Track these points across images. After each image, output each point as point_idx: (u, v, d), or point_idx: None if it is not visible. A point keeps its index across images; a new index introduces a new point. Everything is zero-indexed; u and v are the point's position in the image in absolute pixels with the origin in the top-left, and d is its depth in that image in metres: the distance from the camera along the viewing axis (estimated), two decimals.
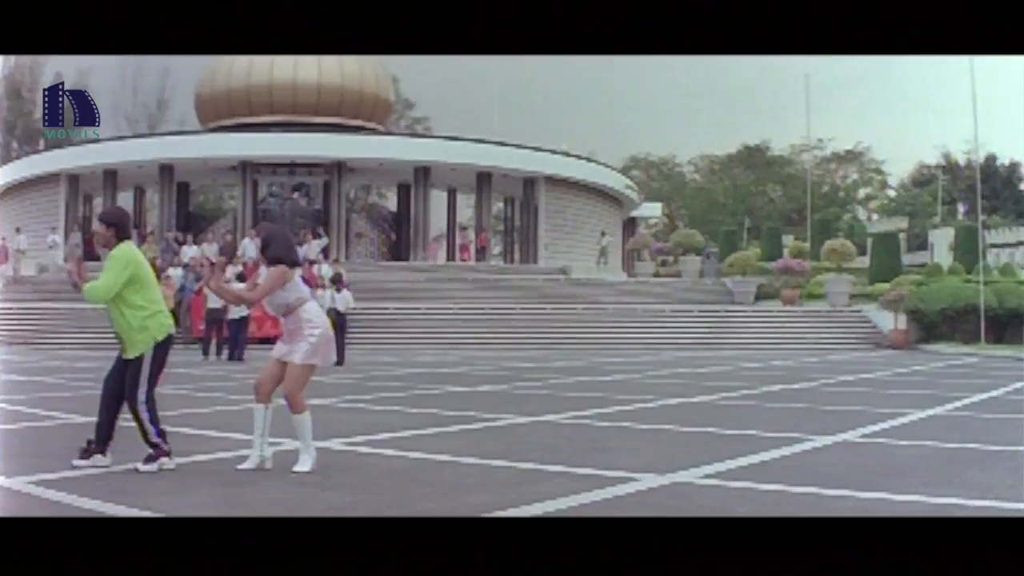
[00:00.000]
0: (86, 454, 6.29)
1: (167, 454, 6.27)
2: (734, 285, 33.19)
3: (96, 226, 6.47)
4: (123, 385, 6.27)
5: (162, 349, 6.29)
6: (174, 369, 17.79)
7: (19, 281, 30.18)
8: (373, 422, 9.17)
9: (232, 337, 19.60)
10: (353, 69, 39.14)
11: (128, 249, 6.23)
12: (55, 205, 37.96)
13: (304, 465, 6.20)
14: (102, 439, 6.31)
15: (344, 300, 19.01)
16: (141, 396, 6.19)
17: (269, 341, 24.62)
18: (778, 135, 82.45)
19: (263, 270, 6.68)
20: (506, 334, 26.60)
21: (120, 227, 6.31)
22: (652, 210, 55.89)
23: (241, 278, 23.74)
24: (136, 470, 6.11)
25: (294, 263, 6.40)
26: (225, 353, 19.68)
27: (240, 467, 6.27)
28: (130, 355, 6.23)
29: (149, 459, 6.19)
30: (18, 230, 33.50)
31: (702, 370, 17.32)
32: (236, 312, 19.19)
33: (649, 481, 5.94)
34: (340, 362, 16.15)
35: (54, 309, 27.29)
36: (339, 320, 18.55)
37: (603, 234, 39.77)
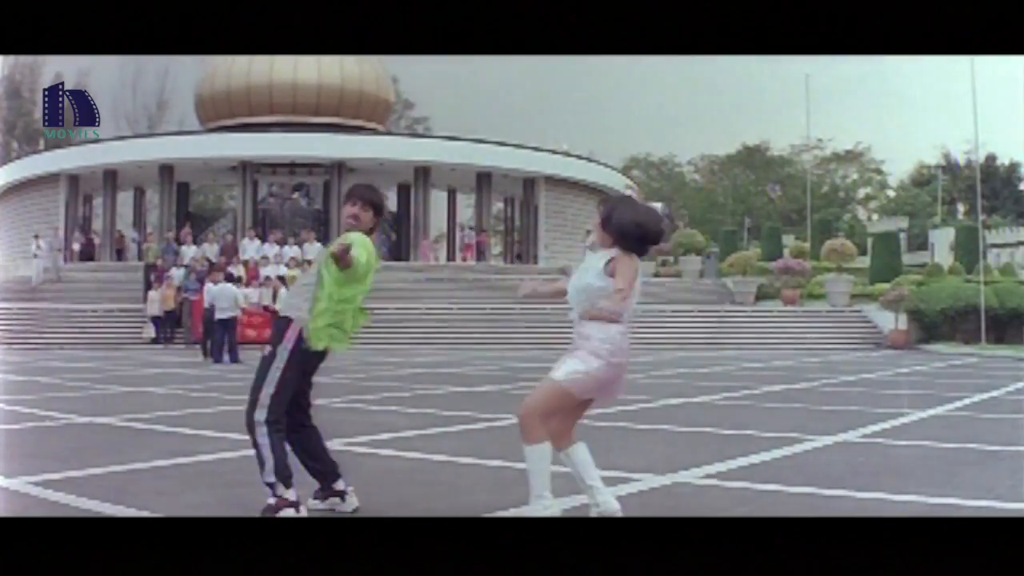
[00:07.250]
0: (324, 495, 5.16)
1: (293, 505, 4.74)
2: (734, 285, 33.19)
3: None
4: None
5: (305, 357, 4.89)
6: (174, 369, 17.84)
7: None
8: (374, 422, 9.17)
9: (220, 338, 19.12)
10: (353, 69, 39.15)
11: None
12: (55, 205, 37.98)
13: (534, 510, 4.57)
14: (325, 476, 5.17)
15: None
16: (264, 399, 4.81)
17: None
18: (778, 135, 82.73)
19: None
20: (506, 334, 26.59)
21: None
22: None
23: (237, 279, 23.80)
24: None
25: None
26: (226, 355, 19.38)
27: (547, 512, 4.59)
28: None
29: (268, 508, 4.74)
30: None
31: (702, 370, 17.31)
32: (225, 312, 19.01)
33: (649, 481, 5.93)
34: None
35: (53, 309, 27.31)
36: None
37: (588, 232, 39.41)
